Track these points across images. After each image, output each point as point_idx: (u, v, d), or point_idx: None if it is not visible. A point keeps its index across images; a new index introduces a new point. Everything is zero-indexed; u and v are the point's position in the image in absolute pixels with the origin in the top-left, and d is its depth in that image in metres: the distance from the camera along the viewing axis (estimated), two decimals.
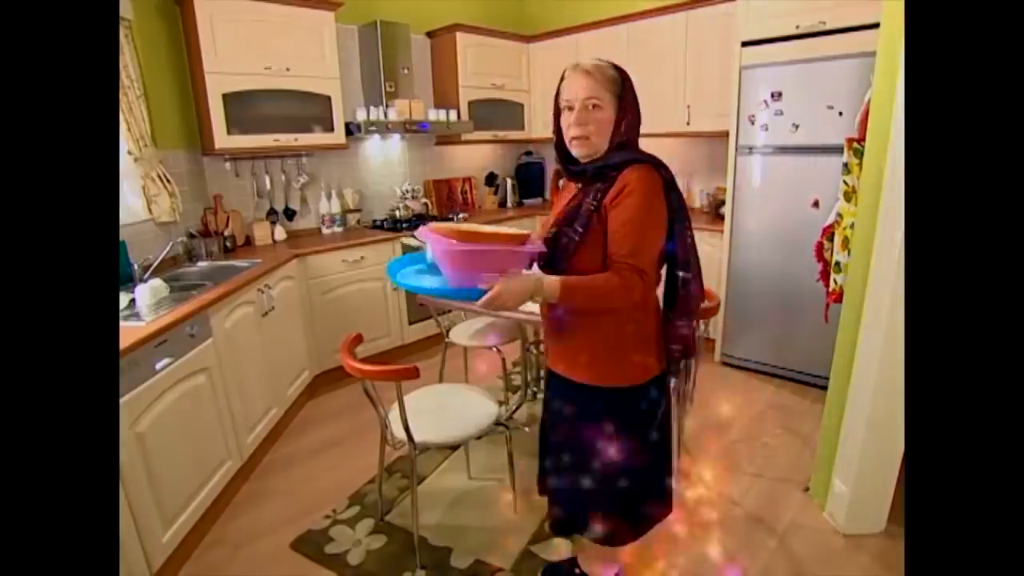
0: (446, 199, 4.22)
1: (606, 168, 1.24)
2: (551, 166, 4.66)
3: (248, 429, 2.31)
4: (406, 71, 3.59)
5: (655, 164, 1.24)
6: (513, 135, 4.35)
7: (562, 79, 1.28)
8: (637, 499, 1.40)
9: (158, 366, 1.73)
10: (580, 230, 1.22)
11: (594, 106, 1.22)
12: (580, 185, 1.30)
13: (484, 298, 1.18)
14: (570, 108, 1.24)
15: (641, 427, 1.36)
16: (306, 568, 1.81)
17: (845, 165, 1.90)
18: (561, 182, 1.43)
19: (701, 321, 1.98)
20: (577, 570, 1.69)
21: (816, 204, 2.73)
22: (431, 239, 1.22)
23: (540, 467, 1.57)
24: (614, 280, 1.17)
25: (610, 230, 1.21)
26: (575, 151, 1.26)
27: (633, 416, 1.34)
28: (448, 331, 2.57)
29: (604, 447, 1.33)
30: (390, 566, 1.79)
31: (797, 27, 2.66)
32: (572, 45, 3.97)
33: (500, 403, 1.97)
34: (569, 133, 1.25)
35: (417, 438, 1.68)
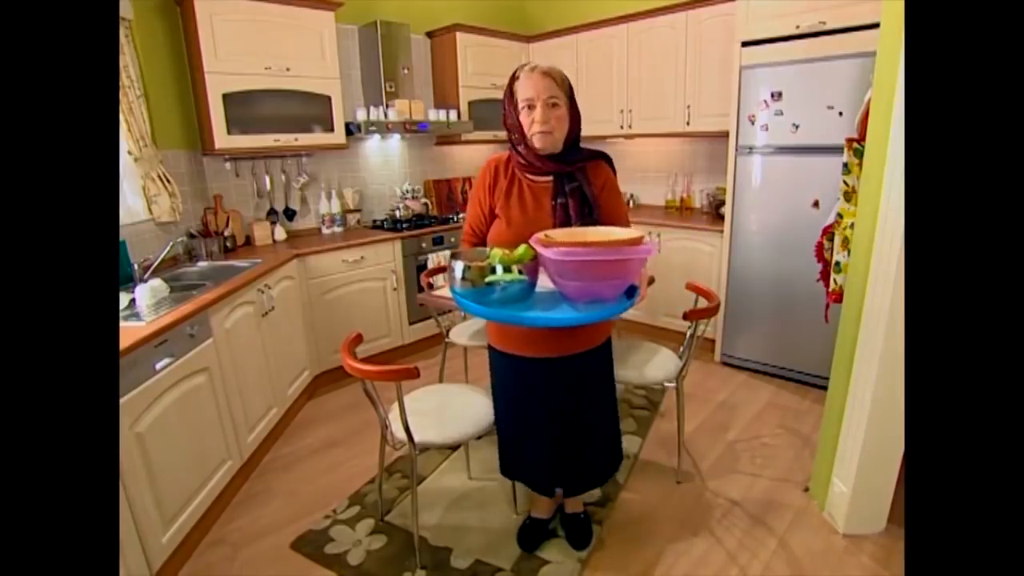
0: (446, 199, 4.22)
1: (580, 160, 1.48)
2: None
3: (248, 429, 2.31)
4: (406, 71, 3.59)
5: (608, 158, 1.57)
6: None
7: (515, 79, 1.42)
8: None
9: (158, 366, 1.73)
10: (595, 216, 1.45)
11: (554, 104, 1.38)
12: (548, 178, 1.48)
13: (643, 295, 1.36)
14: (531, 106, 1.39)
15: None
16: (306, 568, 1.81)
17: (845, 165, 1.90)
18: (504, 181, 1.53)
19: (701, 321, 1.99)
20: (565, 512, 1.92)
21: (816, 204, 2.73)
22: (557, 254, 1.19)
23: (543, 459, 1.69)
24: None
25: (606, 212, 1.49)
26: (539, 144, 1.42)
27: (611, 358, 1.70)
28: (448, 331, 2.57)
29: (611, 392, 1.71)
30: (390, 566, 1.79)
31: (797, 27, 2.66)
32: (572, 45, 3.97)
33: None
34: (533, 128, 1.40)
35: (417, 438, 1.68)
